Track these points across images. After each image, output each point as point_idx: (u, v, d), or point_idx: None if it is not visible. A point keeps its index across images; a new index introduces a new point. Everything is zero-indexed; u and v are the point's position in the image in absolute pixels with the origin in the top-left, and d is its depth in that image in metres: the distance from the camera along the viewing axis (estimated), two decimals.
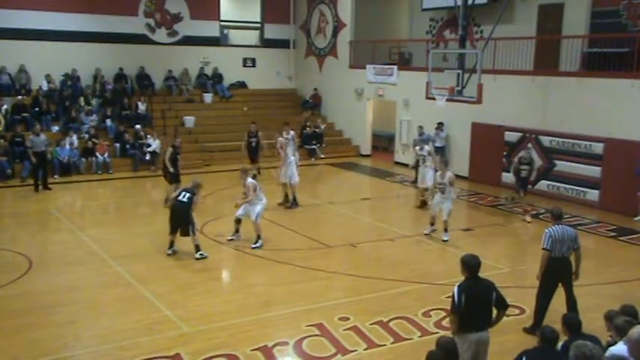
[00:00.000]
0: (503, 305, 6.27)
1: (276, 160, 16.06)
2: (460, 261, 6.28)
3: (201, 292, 9.64)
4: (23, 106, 19.90)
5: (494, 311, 6.25)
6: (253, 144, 17.80)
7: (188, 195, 11.00)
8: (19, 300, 9.19)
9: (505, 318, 8.34)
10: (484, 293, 6.15)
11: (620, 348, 4.98)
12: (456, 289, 6.10)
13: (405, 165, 20.46)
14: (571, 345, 4.86)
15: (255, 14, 25.96)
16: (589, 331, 5.94)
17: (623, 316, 5.56)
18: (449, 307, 6.26)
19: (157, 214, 14.63)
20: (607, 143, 15.20)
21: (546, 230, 8.14)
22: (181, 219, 10.98)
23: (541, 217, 14.40)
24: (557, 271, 8.20)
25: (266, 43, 26.06)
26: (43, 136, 17.04)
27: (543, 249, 8.06)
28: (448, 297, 6.75)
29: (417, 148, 15.74)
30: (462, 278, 6.25)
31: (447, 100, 16.23)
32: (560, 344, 5.55)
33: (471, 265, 6.17)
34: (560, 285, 8.30)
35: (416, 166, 16.18)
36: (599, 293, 9.58)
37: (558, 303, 8.36)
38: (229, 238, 12.14)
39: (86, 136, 19.54)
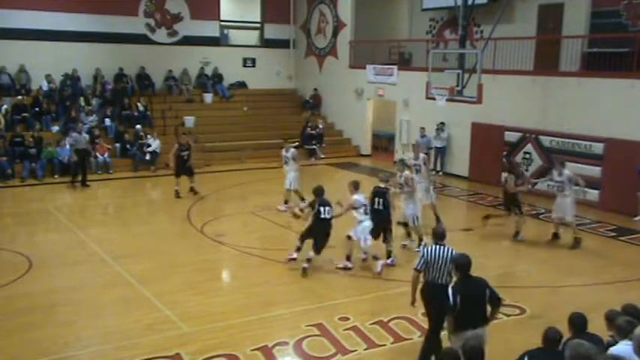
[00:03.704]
0: (496, 301, 6.38)
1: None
2: (452, 262, 6.42)
3: (201, 292, 9.62)
4: (23, 106, 19.90)
5: (489, 308, 6.35)
6: (185, 157, 16.03)
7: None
8: (19, 300, 9.18)
9: (506, 318, 8.40)
10: (478, 291, 6.26)
11: (621, 348, 4.98)
12: (450, 290, 6.20)
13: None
14: (566, 345, 4.87)
15: (255, 14, 25.94)
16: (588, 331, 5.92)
17: (624, 316, 5.56)
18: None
19: (156, 214, 14.63)
20: (607, 143, 15.19)
21: (422, 249, 7.25)
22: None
23: (541, 217, 14.43)
24: (428, 300, 7.00)
25: (266, 43, 26.04)
26: (85, 135, 17.79)
27: (414, 269, 7.02)
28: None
29: (554, 172, 12.11)
30: None
31: (447, 100, 16.21)
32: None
33: (461, 264, 6.31)
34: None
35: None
36: (599, 293, 9.58)
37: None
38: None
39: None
